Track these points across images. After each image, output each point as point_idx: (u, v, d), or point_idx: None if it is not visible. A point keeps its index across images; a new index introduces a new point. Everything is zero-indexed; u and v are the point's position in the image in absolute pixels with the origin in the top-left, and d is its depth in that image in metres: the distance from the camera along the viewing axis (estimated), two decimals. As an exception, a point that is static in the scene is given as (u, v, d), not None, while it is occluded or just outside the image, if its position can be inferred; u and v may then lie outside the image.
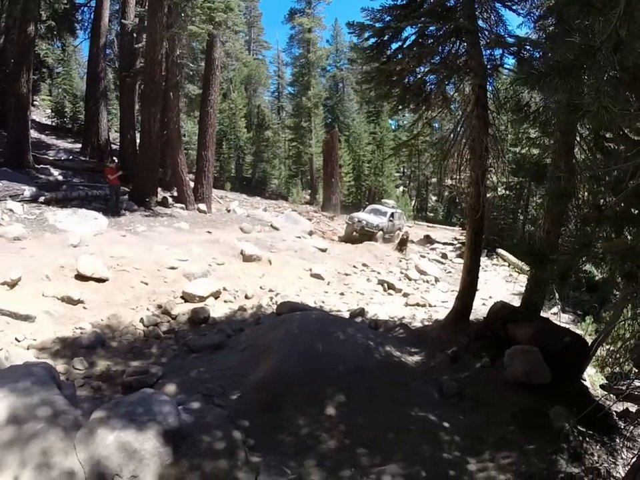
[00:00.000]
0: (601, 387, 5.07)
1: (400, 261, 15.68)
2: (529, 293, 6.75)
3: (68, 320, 7.09)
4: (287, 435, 4.39)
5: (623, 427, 4.66)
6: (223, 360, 6.03)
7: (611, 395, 4.95)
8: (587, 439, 4.28)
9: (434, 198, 42.37)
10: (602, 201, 5.67)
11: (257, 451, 3.95)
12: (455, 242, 20.71)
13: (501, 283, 13.72)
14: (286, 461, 3.94)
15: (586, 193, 6.44)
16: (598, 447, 4.25)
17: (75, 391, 4.57)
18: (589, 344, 5.68)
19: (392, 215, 19.80)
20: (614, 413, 4.98)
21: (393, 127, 37.04)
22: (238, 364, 5.77)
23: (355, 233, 18.51)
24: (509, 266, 16.46)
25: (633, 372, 4.94)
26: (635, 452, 4.10)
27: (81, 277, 8.23)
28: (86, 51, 24.84)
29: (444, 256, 17.62)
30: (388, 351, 5.99)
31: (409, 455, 4.05)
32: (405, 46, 7.85)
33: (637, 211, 4.63)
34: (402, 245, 17.56)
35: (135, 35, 18.81)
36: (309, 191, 32.17)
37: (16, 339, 6.19)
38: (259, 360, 5.63)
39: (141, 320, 7.48)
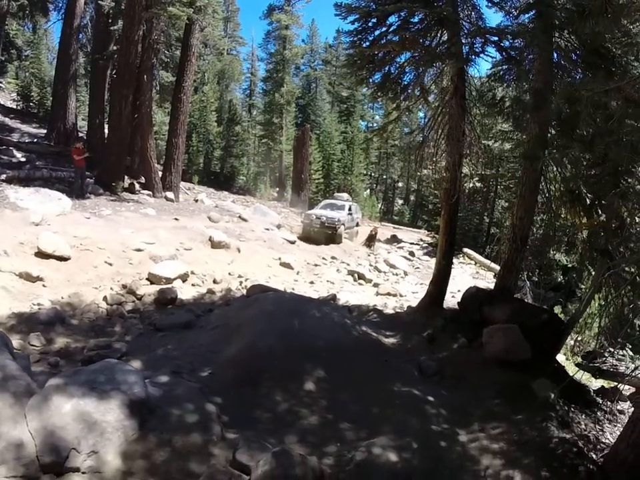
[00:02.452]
0: (577, 365, 5.15)
1: (369, 255, 15.71)
2: (501, 280, 6.82)
3: (25, 297, 6.64)
4: (263, 412, 4.13)
5: (601, 402, 4.72)
6: (192, 338, 5.69)
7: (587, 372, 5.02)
8: (572, 409, 4.27)
9: (400, 202, 43.12)
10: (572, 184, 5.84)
11: (233, 428, 3.68)
12: (422, 242, 20.95)
13: (468, 279, 13.90)
14: (265, 437, 3.68)
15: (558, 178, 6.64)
16: (583, 416, 4.25)
17: (30, 364, 4.13)
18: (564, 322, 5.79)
19: (350, 207, 18.41)
20: (591, 390, 5.06)
21: (364, 128, 37.32)
22: (209, 342, 5.43)
23: (313, 230, 16.53)
24: (475, 264, 16.79)
25: (607, 350, 5.04)
26: (618, 424, 4.13)
27: (41, 255, 7.79)
28: (57, 34, 23.76)
29: (411, 254, 17.83)
30: (365, 331, 5.85)
31: (397, 428, 3.90)
32: (389, 31, 7.84)
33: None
34: (370, 240, 17.55)
35: (110, 18, 17.99)
36: (277, 188, 31.85)
37: (-32, 314, 5.69)
38: (231, 338, 5.33)
39: (104, 298, 7.07)
